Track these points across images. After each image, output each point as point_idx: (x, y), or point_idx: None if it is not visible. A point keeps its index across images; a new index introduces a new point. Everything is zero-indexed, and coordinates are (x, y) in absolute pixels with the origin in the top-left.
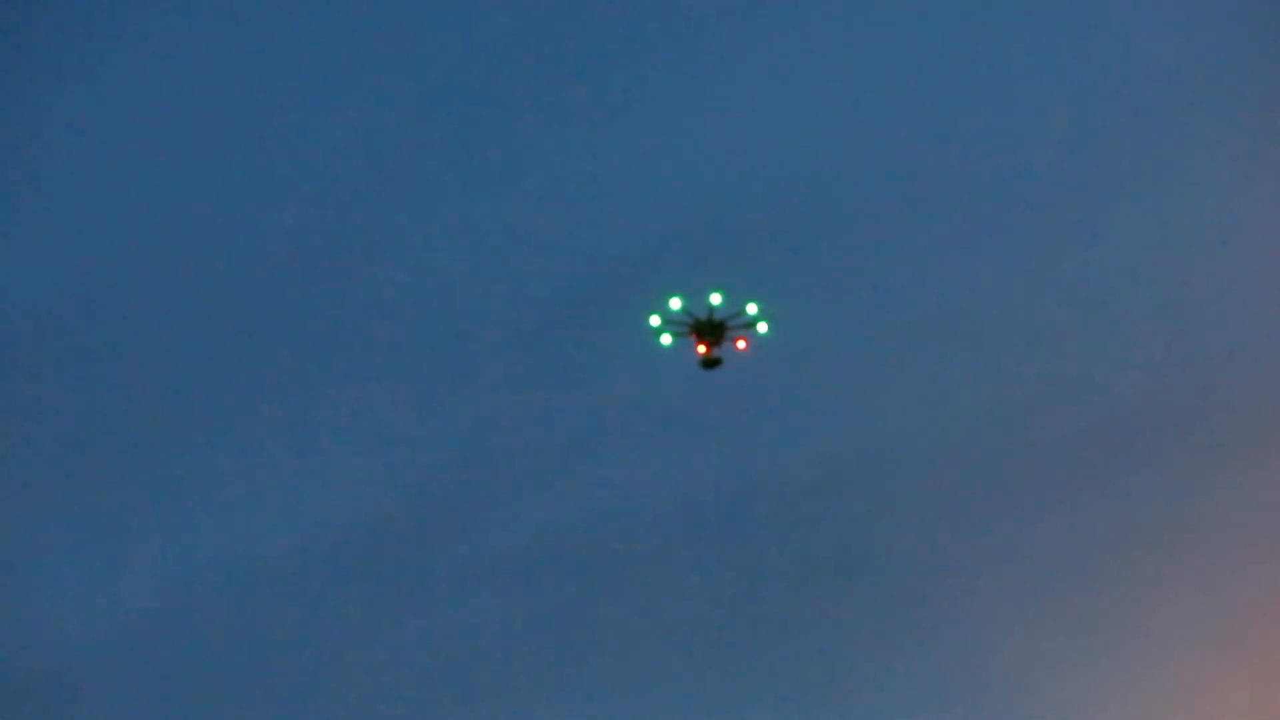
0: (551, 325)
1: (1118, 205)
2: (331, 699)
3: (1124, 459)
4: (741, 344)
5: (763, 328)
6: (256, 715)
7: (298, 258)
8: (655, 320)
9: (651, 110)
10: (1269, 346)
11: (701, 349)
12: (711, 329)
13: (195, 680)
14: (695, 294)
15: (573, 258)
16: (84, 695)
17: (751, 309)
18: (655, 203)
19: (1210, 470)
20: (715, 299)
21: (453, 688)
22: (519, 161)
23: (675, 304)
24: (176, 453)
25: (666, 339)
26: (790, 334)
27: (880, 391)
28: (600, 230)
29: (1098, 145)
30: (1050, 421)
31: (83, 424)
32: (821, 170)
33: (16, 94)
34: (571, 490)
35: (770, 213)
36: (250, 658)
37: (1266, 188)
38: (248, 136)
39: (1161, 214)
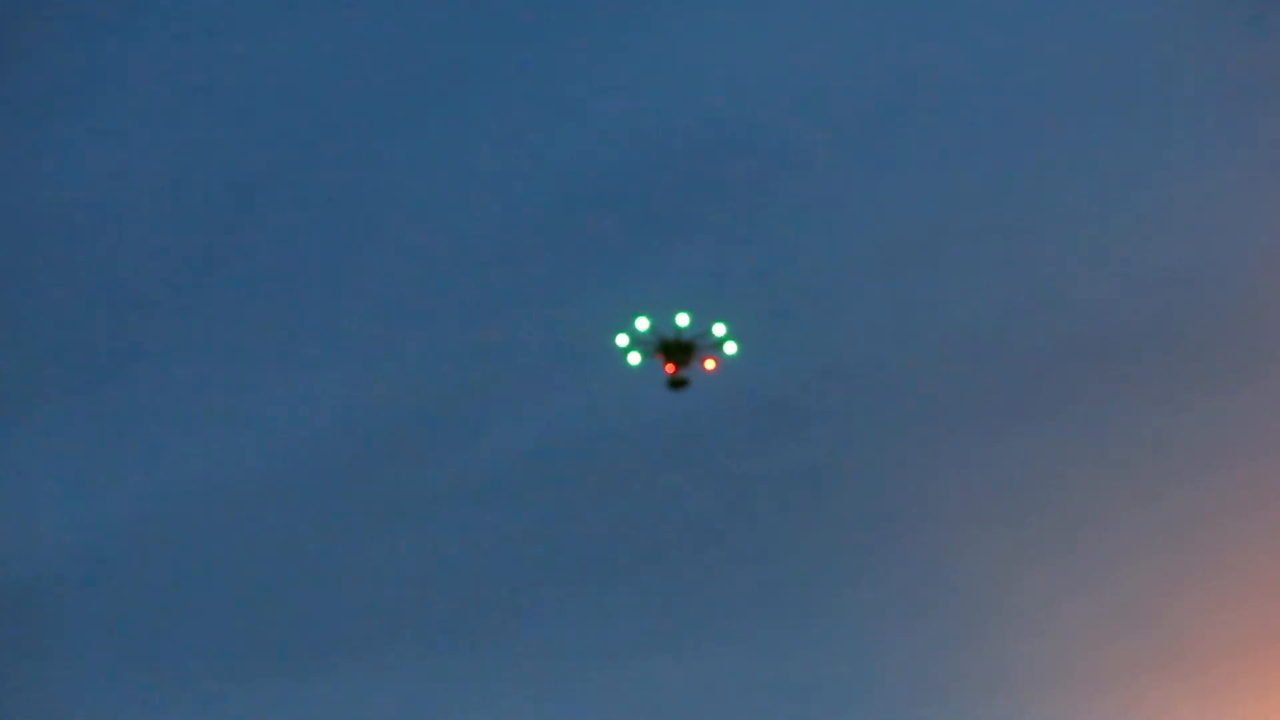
0: (535, 242)
1: (1103, 119)
2: (313, 612)
3: (1099, 375)
4: (710, 364)
5: (731, 348)
6: (237, 627)
7: (281, 173)
8: (622, 340)
9: (640, 27)
10: (1250, 266)
11: (669, 369)
12: (679, 349)
13: (176, 594)
14: (662, 312)
15: (555, 178)
16: (64, 608)
17: (719, 329)
18: (637, 124)
19: (1186, 386)
20: (682, 319)
21: (436, 603)
22: (504, 81)
23: (642, 324)
24: (158, 365)
25: (634, 358)
26: (766, 252)
27: (857, 307)
28: (584, 150)
29: (1083, 60)
30: (1028, 337)
31: (64, 334)
32: (795, 89)
33: None
34: (556, 405)
35: (746, 134)
36: (231, 572)
37: (1255, 107)
38: (232, 53)
39: (1149, 130)
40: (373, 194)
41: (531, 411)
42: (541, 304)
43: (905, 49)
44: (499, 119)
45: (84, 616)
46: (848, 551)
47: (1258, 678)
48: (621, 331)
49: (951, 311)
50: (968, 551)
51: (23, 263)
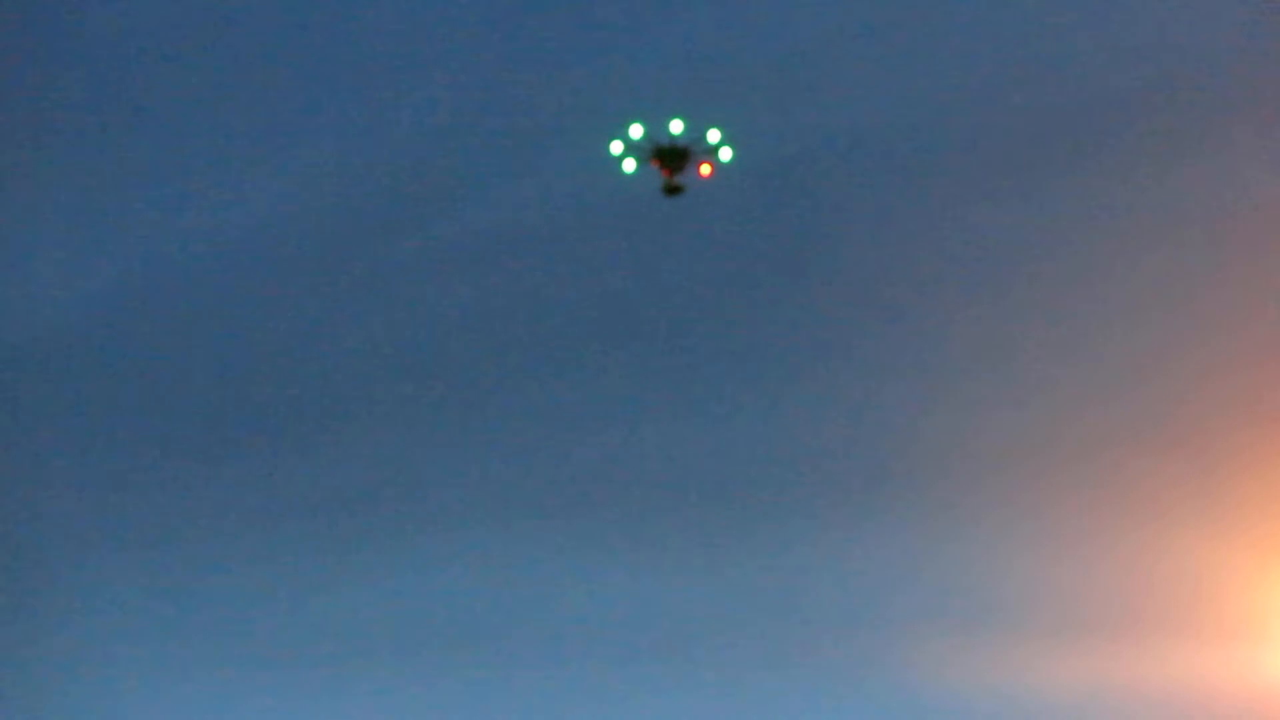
0: (527, 17)
1: None
2: (299, 380)
3: (1092, 140)
4: (705, 170)
5: (726, 154)
6: (222, 395)
7: None
8: (617, 147)
9: None
10: (1247, 36)
11: (665, 175)
12: (674, 155)
13: (161, 362)
14: (657, 119)
15: None
16: (55, 375)
17: (714, 135)
18: None
19: (1180, 151)
20: (677, 126)
21: (423, 371)
22: None
23: (636, 131)
24: (145, 136)
25: (629, 165)
26: (756, 23)
27: (849, 72)
28: None
29: None
30: (1021, 102)
31: (55, 101)
32: None
33: None
34: (549, 172)
35: None
36: (216, 340)
37: None
38: None
39: None
40: None
41: (521, 184)
42: (539, 71)
43: None
44: None
45: (74, 383)
46: (838, 319)
47: (1246, 444)
48: (616, 139)
49: (944, 76)
50: (958, 317)
51: (11, 28)
